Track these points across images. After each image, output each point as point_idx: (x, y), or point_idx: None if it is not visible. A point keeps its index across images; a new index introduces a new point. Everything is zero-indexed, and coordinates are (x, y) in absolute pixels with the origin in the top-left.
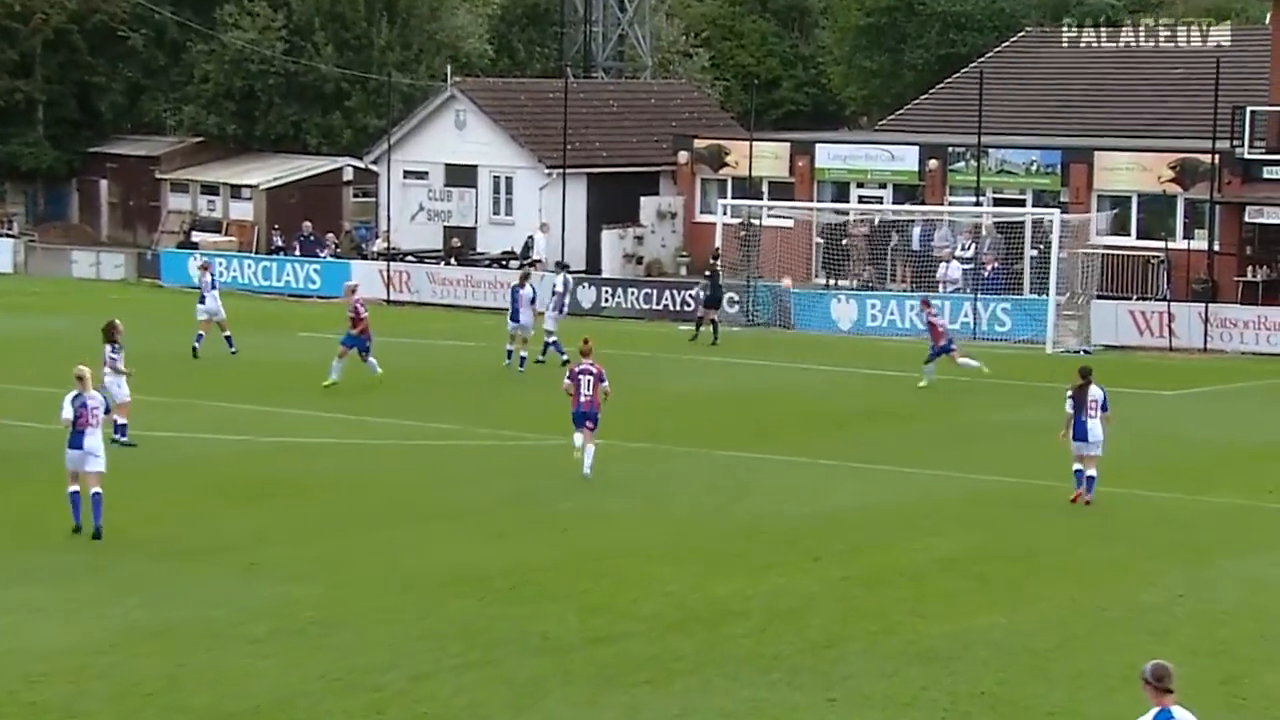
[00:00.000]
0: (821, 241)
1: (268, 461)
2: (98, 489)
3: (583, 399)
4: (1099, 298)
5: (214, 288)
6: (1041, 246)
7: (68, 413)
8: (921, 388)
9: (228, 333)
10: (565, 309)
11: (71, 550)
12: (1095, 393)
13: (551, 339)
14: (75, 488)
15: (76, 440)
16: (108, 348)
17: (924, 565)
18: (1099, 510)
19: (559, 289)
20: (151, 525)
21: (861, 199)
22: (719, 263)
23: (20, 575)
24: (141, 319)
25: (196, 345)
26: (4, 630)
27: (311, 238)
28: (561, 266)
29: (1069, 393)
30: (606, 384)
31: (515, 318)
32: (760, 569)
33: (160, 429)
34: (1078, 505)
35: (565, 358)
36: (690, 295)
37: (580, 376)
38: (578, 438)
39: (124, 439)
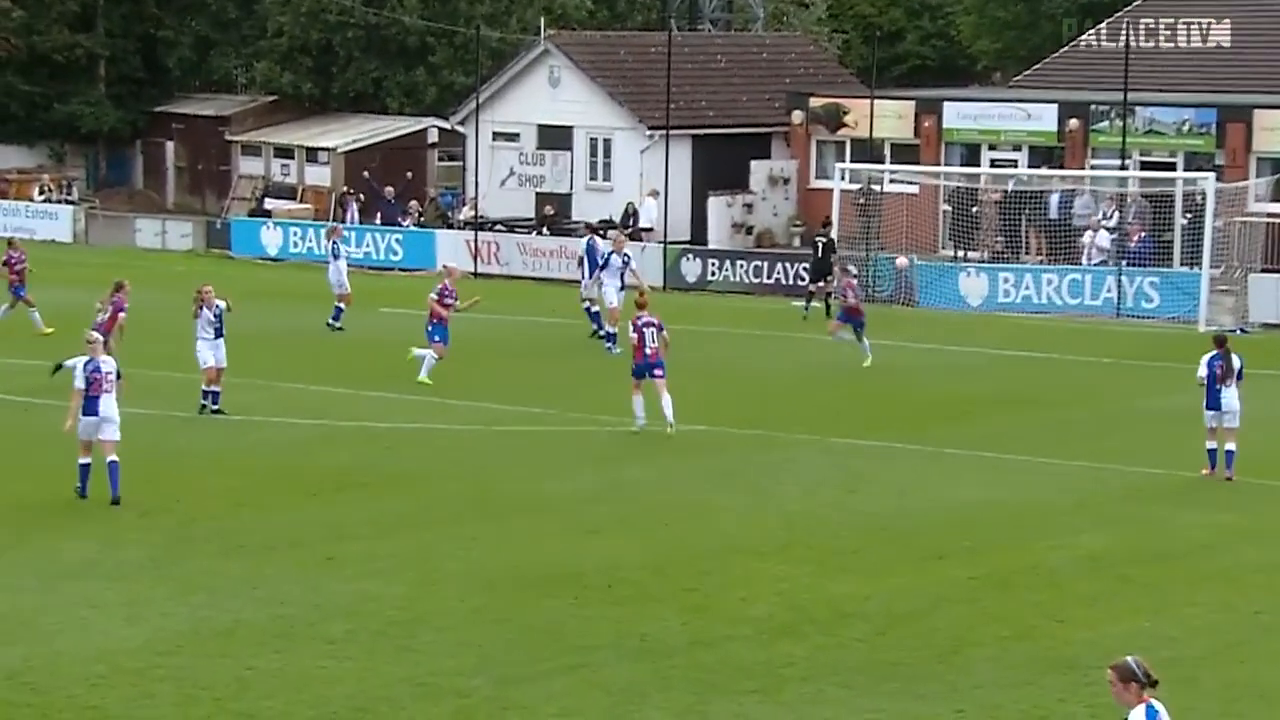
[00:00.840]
0: (949, 209)
1: (345, 448)
2: (114, 458)
3: (649, 350)
4: (1259, 271)
5: (337, 257)
6: (1192, 215)
7: (80, 381)
8: (866, 367)
9: (340, 306)
10: (622, 278)
11: (135, 544)
12: (1234, 361)
13: (592, 307)
14: (87, 459)
15: (91, 407)
16: (205, 312)
17: (1060, 565)
18: (1253, 506)
19: (614, 258)
20: (219, 517)
21: (994, 163)
22: (830, 230)
23: (79, 569)
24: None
25: (333, 322)
26: (62, 628)
27: (395, 203)
28: (595, 229)
29: (1205, 359)
30: (666, 333)
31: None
32: (879, 568)
33: (230, 412)
34: (1228, 498)
35: (600, 331)
36: (804, 268)
37: (645, 329)
38: (639, 401)
39: (215, 406)
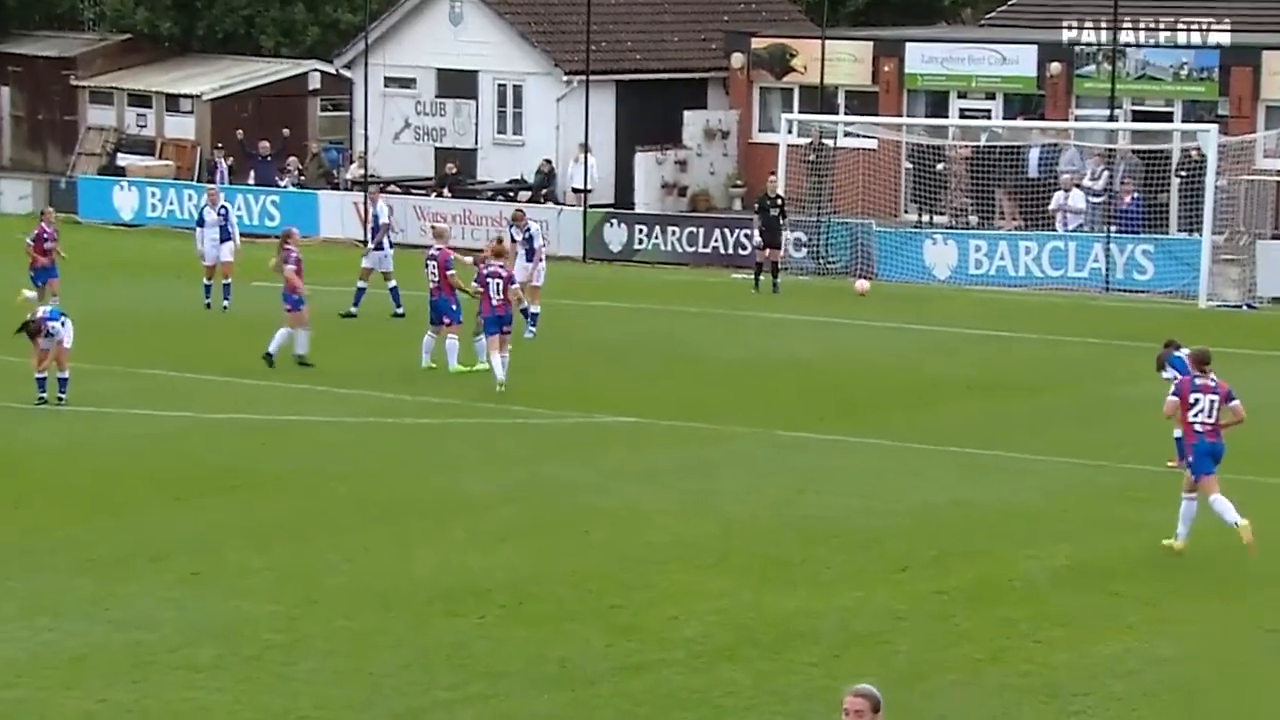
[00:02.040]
0: (911, 167)
1: (214, 444)
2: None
3: (495, 302)
4: (1268, 238)
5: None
6: (1189, 173)
7: None
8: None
9: (393, 284)
10: (388, 246)
11: None
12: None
13: (390, 284)
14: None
15: None
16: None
17: (1039, 577)
18: (1260, 509)
19: (384, 219)
20: (66, 525)
21: (964, 113)
22: (775, 191)
23: None
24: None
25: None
26: None
27: (269, 160)
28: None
29: (1176, 383)
30: (516, 286)
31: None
32: (832, 581)
33: (83, 402)
34: (1232, 500)
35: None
36: (745, 235)
37: (489, 280)
38: (496, 358)
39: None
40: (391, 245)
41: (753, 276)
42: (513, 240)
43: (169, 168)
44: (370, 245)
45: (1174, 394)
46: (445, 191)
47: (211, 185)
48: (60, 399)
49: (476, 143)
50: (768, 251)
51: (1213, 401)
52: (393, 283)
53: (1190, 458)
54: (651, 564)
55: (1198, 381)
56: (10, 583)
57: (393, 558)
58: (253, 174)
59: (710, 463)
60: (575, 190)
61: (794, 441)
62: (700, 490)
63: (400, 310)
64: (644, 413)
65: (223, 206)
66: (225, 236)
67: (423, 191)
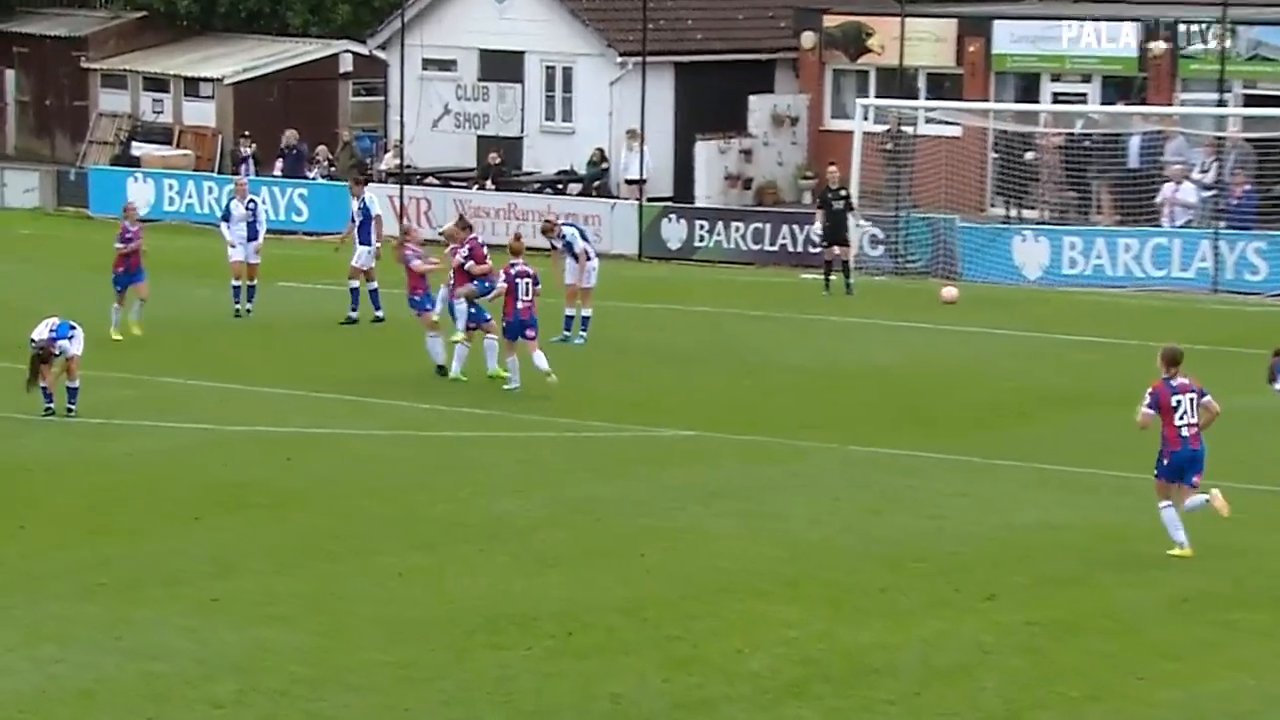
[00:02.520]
0: (998, 157)
1: (234, 459)
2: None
3: (521, 305)
4: None
5: (228, 220)
6: None
7: None
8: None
9: (373, 285)
10: (375, 242)
11: None
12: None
13: (370, 285)
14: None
15: None
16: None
17: (1142, 607)
18: None
19: (375, 210)
20: (74, 547)
21: (1057, 97)
22: (838, 182)
23: None
24: (63, 262)
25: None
26: None
27: (298, 151)
28: (361, 177)
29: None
30: (540, 286)
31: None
32: (912, 611)
33: (93, 413)
34: None
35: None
36: (814, 231)
37: (518, 280)
38: (513, 361)
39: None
40: (380, 240)
41: (822, 277)
42: (553, 248)
43: (187, 158)
44: (356, 240)
45: (1150, 406)
46: (488, 184)
47: (239, 176)
48: (69, 410)
49: (522, 130)
50: (836, 249)
51: (1192, 400)
52: (374, 284)
53: (1165, 461)
54: (714, 591)
55: (1174, 383)
56: (13, 610)
57: (430, 583)
58: (279, 165)
59: (778, 481)
60: (630, 182)
61: (869, 458)
62: (767, 511)
63: (380, 314)
64: (705, 426)
65: (251, 200)
66: (253, 234)
67: (463, 184)
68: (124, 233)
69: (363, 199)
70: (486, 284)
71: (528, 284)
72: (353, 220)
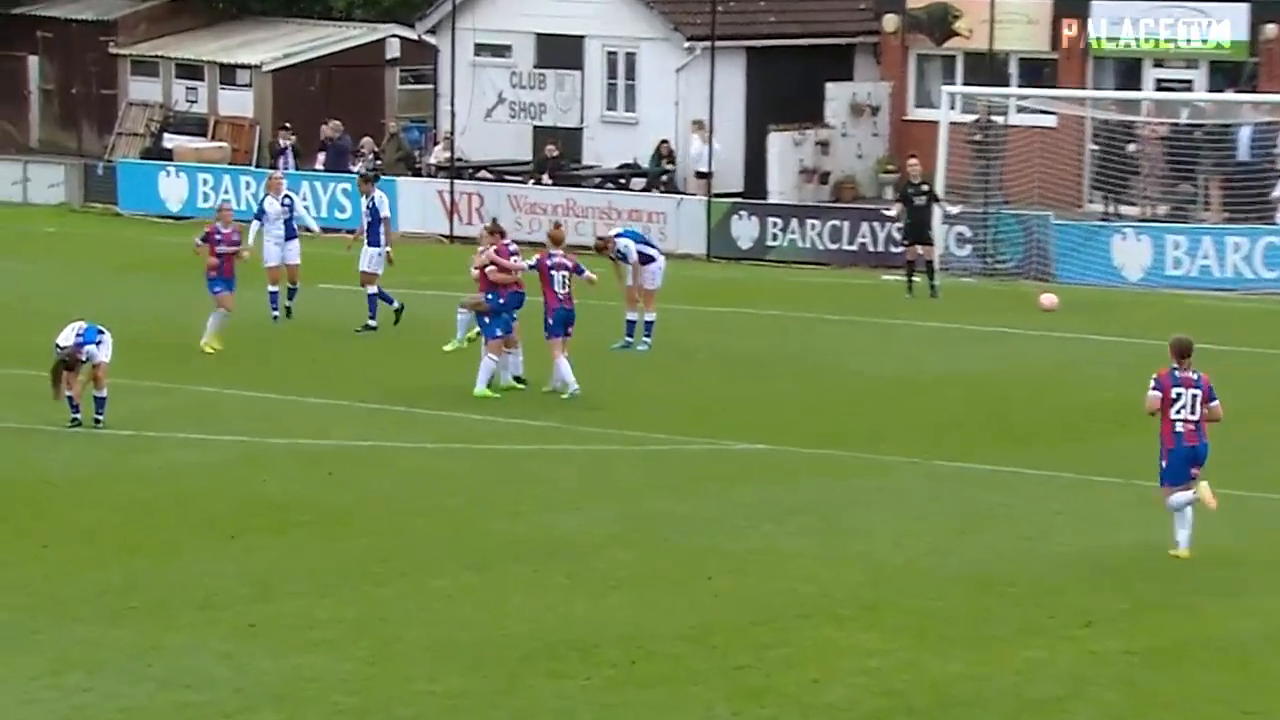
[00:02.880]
0: (1097, 149)
1: (273, 474)
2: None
3: (561, 295)
4: None
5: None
6: None
7: None
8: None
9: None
10: (384, 243)
11: (0, 609)
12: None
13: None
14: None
15: None
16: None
17: (1249, 636)
18: None
19: (384, 211)
20: (102, 567)
21: (1160, 84)
22: (918, 176)
23: None
24: (90, 263)
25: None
26: None
27: (341, 143)
28: (370, 174)
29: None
30: (588, 272)
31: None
32: (1002, 638)
33: (122, 425)
34: None
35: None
36: (897, 229)
37: (553, 272)
38: (564, 364)
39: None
40: (389, 243)
41: (905, 278)
42: (616, 258)
43: (223, 150)
44: (365, 242)
45: (1155, 388)
46: (544, 178)
47: (275, 171)
48: (97, 420)
49: (582, 121)
50: (919, 249)
51: (1195, 397)
52: (373, 289)
53: (1165, 464)
54: (788, 617)
55: (1178, 374)
56: (38, 635)
57: (483, 607)
58: (320, 158)
59: (857, 498)
60: (699, 175)
61: (956, 473)
62: (845, 530)
63: (372, 323)
64: (779, 439)
65: (286, 196)
66: (290, 233)
67: (518, 178)
68: (213, 234)
69: (371, 198)
70: (500, 299)
71: (565, 276)
72: (383, 220)
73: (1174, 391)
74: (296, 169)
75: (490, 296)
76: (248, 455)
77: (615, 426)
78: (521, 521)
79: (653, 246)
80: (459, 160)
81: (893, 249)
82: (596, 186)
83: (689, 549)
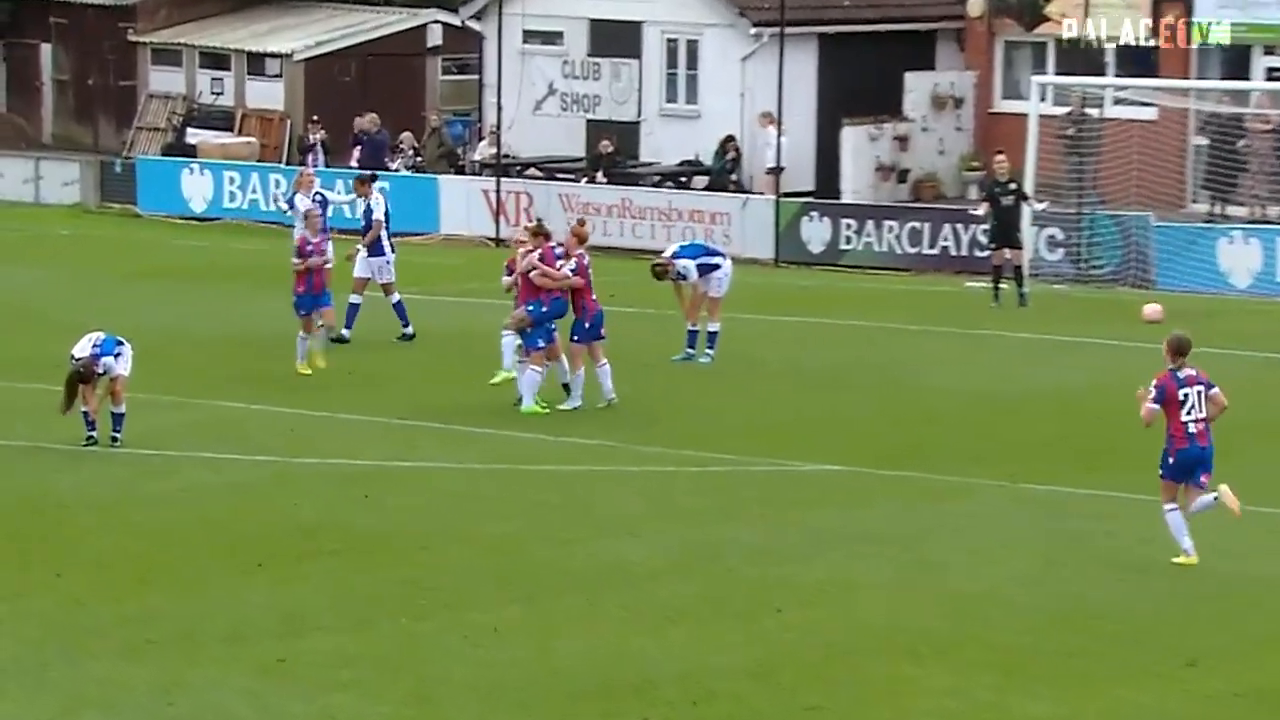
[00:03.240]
0: (1204, 144)
1: (303, 496)
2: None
3: (594, 296)
4: None
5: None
6: None
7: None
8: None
9: (395, 298)
10: (389, 250)
11: (9, 641)
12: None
13: (354, 299)
14: None
15: None
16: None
17: None
18: None
19: (379, 214)
20: (119, 599)
21: (1272, 74)
22: (1007, 174)
23: None
24: (107, 268)
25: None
26: None
27: (378, 138)
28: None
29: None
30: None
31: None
32: (1096, 678)
33: (141, 443)
34: None
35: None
36: (982, 231)
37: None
38: (579, 375)
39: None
40: (393, 248)
41: (991, 285)
42: (677, 280)
43: (251, 146)
44: (360, 247)
45: (1156, 400)
46: (599, 176)
47: (305, 168)
48: (114, 438)
49: (639, 114)
50: (1007, 253)
51: (1200, 394)
52: (395, 296)
53: (1171, 460)
54: (861, 653)
55: (1181, 375)
56: (49, 671)
57: (531, 642)
58: (355, 154)
59: (937, 524)
60: (768, 172)
61: (1046, 497)
62: (923, 560)
63: (409, 330)
64: (853, 459)
65: (318, 194)
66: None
67: (570, 176)
68: (302, 246)
69: (368, 201)
70: (544, 307)
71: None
72: (374, 224)
73: (1181, 394)
74: (327, 166)
75: (532, 307)
76: (276, 476)
77: (675, 446)
78: (573, 549)
79: (716, 254)
80: (506, 157)
81: (978, 253)
82: (655, 185)
83: (754, 579)
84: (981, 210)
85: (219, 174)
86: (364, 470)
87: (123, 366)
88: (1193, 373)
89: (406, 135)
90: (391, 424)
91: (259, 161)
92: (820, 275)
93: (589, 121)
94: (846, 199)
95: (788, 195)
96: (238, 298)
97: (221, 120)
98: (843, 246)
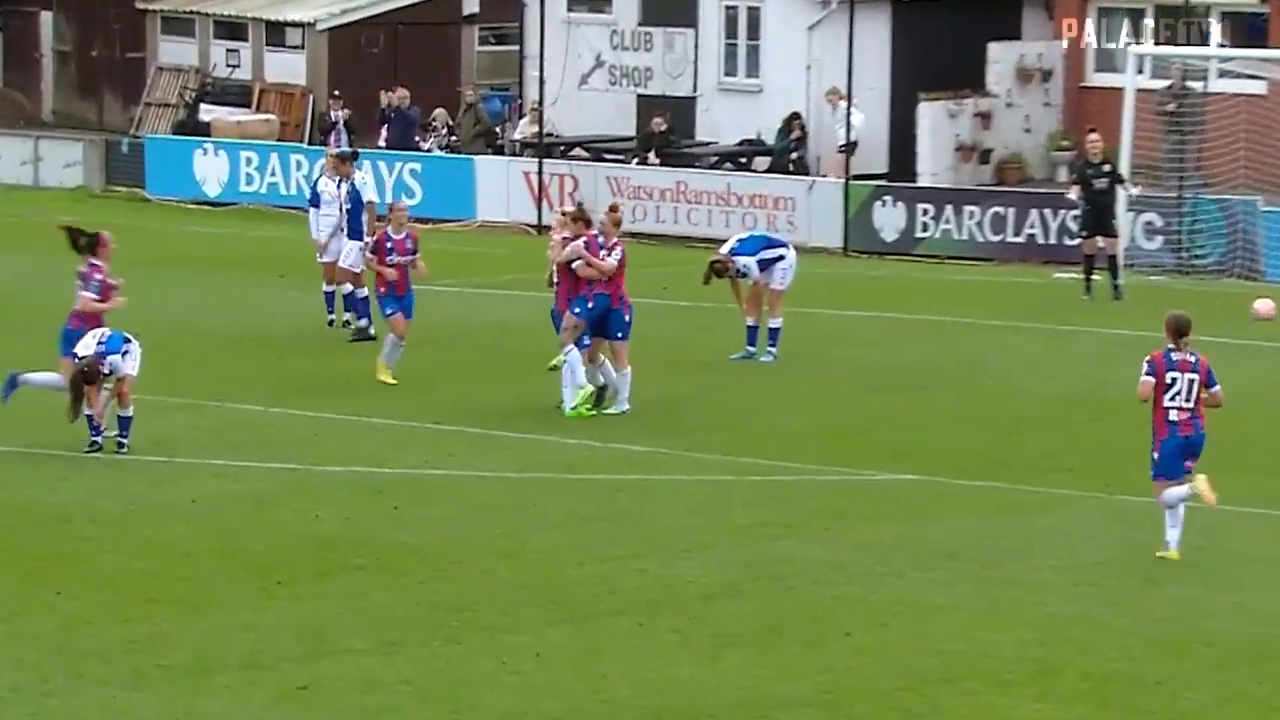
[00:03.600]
0: None
1: (326, 508)
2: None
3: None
4: None
5: (318, 205)
6: None
7: None
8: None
9: (363, 291)
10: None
11: (6, 666)
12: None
13: (346, 289)
14: None
15: None
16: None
17: None
18: None
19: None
20: (126, 620)
21: None
22: (1100, 155)
23: None
24: (114, 257)
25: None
26: None
27: (409, 114)
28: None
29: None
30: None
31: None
32: (1200, 708)
33: (150, 449)
34: None
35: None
36: (1073, 217)
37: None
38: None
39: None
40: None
41: (1083, 276)
42: (737, 278)
43: (270, 124)
44: (341, 227)
45: (1149, 373)
46: (651, 157)
47: (332, 148)
48: (120, 445)
49: (695, 89)
50: (1100, 241)
51: (1192, 382)
52: (364, 290)
53: (1157, 456)
54: (937, 681)
55: (1174, 357)
56: (50, 699)
57: (575, 668)
58: (384, 132)
59: (1024, 540)
60: (840, 150)
61: (1145, 510)
62: (1009, 578)
63: (365, 325)
64: (930, 468)
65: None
66: (355, 225)
67: (619, 157)
68: (383, 241)
69: (350, 181)
70: (589, 303)
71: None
72: (368, 205)
73: (1169, 376)
74: (351, 146)
75: (579, 310)
76: (297, 486)
77: (734, 453)
78: (621, 566)
79: (779, 244)
80: (549, 135)
81: (1067, 241)
82: (712, 167)
83: (820, 600)
84: (1073, 194)
85: (235, 154)
86: (392, 479)
87: (130, 365)
88: (1189, 358)
89: (440, 112)
90: (423, 428)
91: (278, 141)
92: (894, 265)
93: (640, 97)
94: (923, 182)
95: (858, 178)
96: (255, 289)
97: (238, 96)
98: (918, 234)
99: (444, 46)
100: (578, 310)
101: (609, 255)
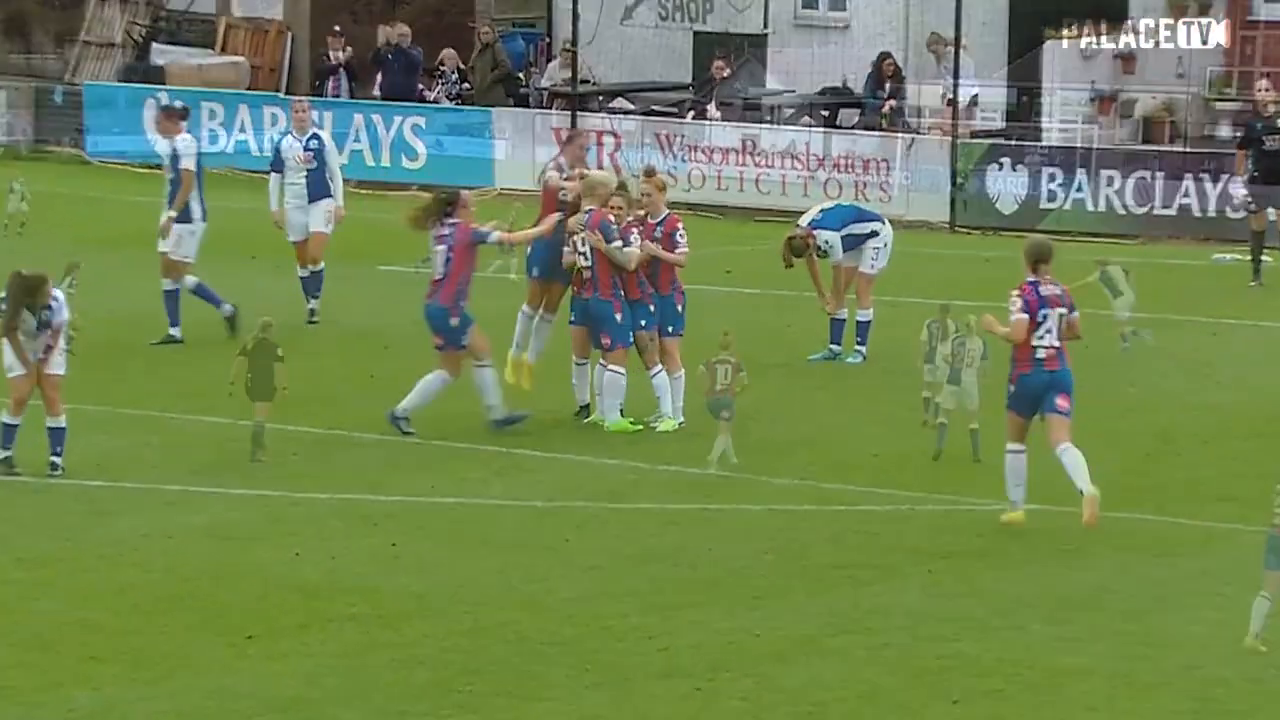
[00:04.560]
0: None
1: (310, 545)
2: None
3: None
4: None
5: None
6: None
7: None
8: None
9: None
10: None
11: None
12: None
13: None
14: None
15: None
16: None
17: None
18: None
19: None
20: (63, 683)
21: None
22: (1276, 104)
23: None
24: (47, 232)
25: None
26: None
27: (413, 54)
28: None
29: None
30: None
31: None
32: None
33: (89, 472)
34: None
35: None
36: (1237, 185)
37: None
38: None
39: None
40: (204, 214)
41: (1250, 258)
42: (819, 256)
43: (238, 68)
44: (171, 213)
45: (1024, 310)
46: (710, 109)
47: (300, 99)
48: (53, 464)
49: (765, 25)
50: (1271, 214)
51: (1061, 316)
52: (192, 280)
53: (1013, 388)
54: None
55: (1043, 291)
56: None
57: None
58: (379, 79)
59: (1176, 585)
60: (947, 103)
61: None
62: (1155, 633)
63: (175, 331)
64: (1058, 496)
65: (314, 135)
66: (317, 191)
67: (671, 109)
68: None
69: (172, 142)
70: (650, 307)
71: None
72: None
73: (1040, 313)
74: (352, 96)
75: (645, 321)
76: (271, 517)
77: (813, 477)
78: (674, 619)
79: (871, 218)
80: (584, 82)
81: (1231, 215)
82: (787, 121)
83: (922, 660)
84: (1238, 156)
85: (195, 105)
86: (389, 509)
87: (57, 364)
88: (1056, 291)
89: (449, 53)
90: (428, 446)
91: (250, 90)
92: (1012, 244)
93: (697, 35)
94: (1049, 141)
95: (970, 137)
96: (220, 275)
97: (199, 33)
98: (1044, 205)
99: None
100: (644, 323)
101: (681, 246)
